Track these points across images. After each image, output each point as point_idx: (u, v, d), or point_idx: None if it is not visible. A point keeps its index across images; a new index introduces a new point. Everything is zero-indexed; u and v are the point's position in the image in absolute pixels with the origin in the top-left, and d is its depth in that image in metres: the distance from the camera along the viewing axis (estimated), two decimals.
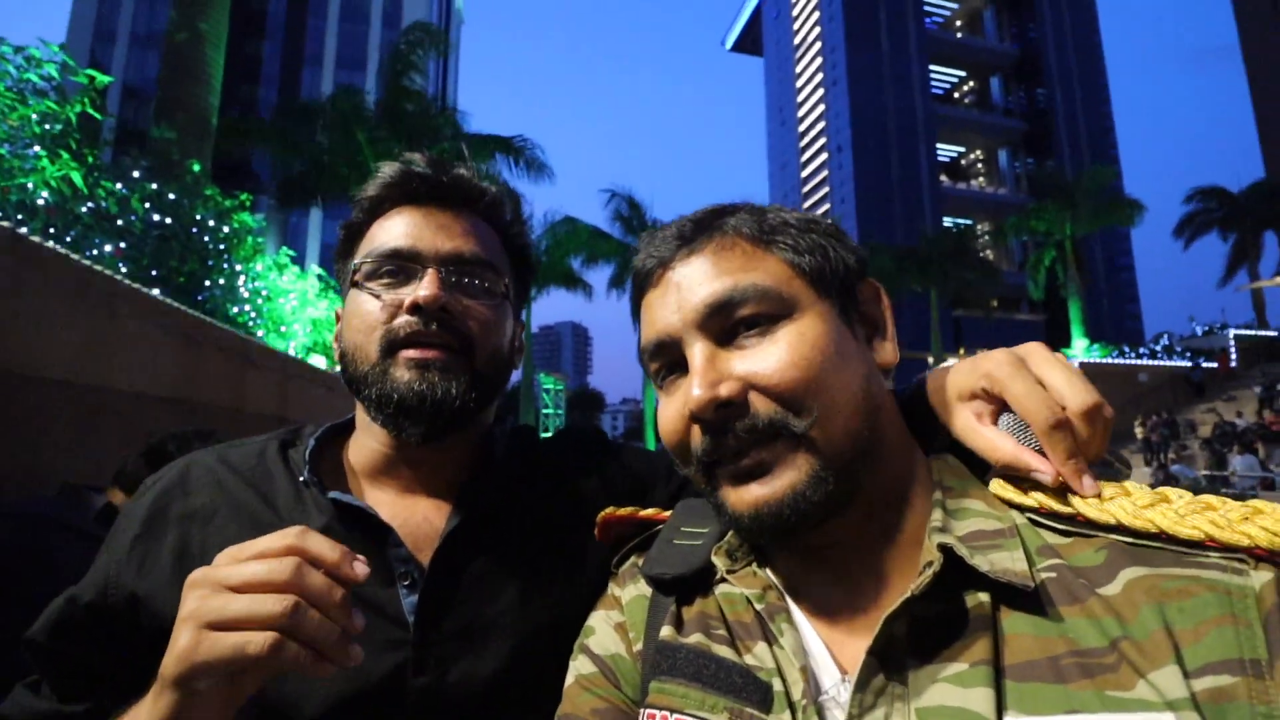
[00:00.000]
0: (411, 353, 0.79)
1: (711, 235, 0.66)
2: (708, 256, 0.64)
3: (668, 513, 0.78)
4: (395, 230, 0.84)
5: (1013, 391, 0.60)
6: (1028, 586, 0.52)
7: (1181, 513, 0.53)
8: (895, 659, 0.53)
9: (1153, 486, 0.58)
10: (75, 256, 2.98)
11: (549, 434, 1.06)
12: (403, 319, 0.79)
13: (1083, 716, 0.47)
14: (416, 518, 0.84)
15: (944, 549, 0.54)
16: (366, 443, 0.87)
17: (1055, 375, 0.60)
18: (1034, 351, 0.63)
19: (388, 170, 0.87)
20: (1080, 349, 24.92)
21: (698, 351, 0.62)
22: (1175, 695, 0.46)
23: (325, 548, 0.56)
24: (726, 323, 0.62)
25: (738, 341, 0.62)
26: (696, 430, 0.62)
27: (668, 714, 0.60)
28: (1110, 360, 23.43)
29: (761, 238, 0.65)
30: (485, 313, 0.84)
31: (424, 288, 0.79)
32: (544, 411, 29.60)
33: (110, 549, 0.79)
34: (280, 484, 0.83)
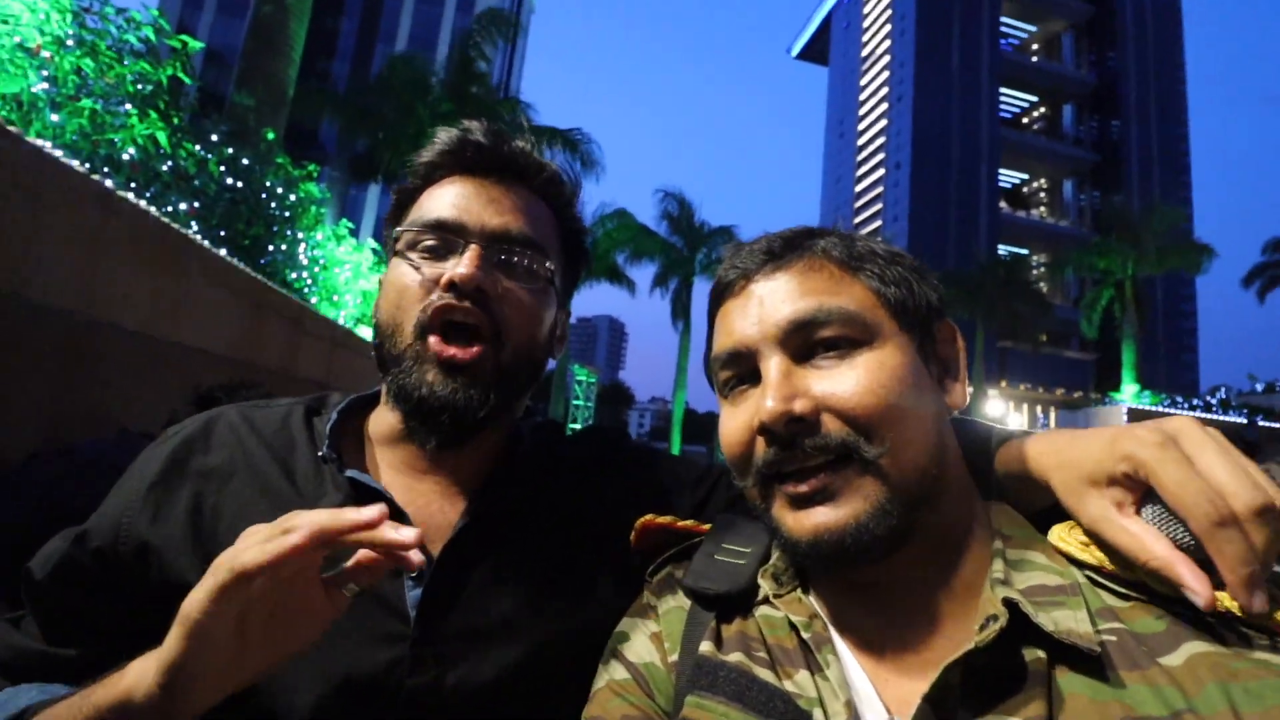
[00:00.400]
0: (441, 347, 0.75)
1: (801, 254, 0.66)
2: (795, 275, 0.65)
3: (705, 525, 0.78)
4: (444, 200, 0.81)
5: (1166, 479, 0.52)
6: (1093, 651, 0.51)
7: None
8: (948, 707, 0.52)
9: None
10: (156, 213, 3.13)
11: (576, 426, 1.03)
12: (437, 294, 0.76)
13: None
14: (432, 507, 0.81)
15: (1009, 603, 0.53)
16: (390, 420, 0.83)
17: (1217, 462, 0.51)
18: (1187, 430, 0.54)
19: (444, 136, 0.84)
20: (1129, 394, 23.97)
21: (774, 365, 0.62)
22: None
23: (355, 516, 0.54)
24: (806, 341, 0.62)
25: (815, 361, 0.62)
26: (761, 442, 0.62)
27: None
28: (1161, 409, 22.47)
29: (850, 263, 0.66)
30: (525, 297, 0.80)
31: (463, 265, 0.76)
32: (574, 402, 29.80)
33: (123, 492, 0.77)
34: (301, 454, 0.80)
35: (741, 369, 0.66)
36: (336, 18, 41.74)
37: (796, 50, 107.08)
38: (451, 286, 0.75)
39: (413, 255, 0.79)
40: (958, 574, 0.61)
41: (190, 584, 0.65)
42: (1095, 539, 0.57)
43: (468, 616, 0.75)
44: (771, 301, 0.64)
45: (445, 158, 0.83)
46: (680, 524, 0.79)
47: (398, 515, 0.76)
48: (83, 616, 0.73)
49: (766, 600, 0.67)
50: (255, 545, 0.52)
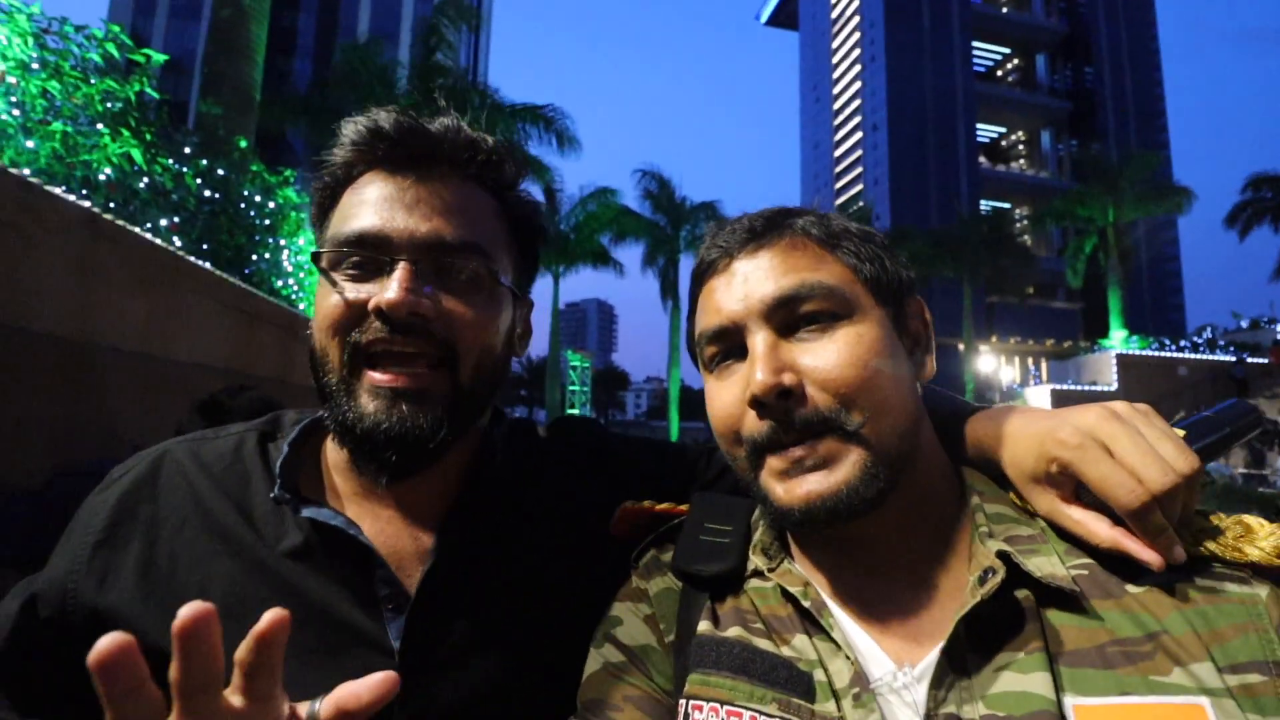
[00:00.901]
0: (378, 376, 0.68)
1: (782, 233, 0.68)
2: (778, 252, 0.67)
3: (682, 506, 0.80)
4: (363, 207, 0.71)
5: (1088, 476, 0.59)
6: (1074, 590, 0.58)
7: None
8: (957, 653, 0.57)
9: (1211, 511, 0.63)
10: (142, 233, 3.13)
11: (575, 412, 0.98)
12: (369, 325, 0.68)
13: (1134, 698, 0.52)
14: (401, 534, 0.75)
15: (1001, 555, 0.59)
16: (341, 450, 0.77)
17: (1131, 450, 0.58)
18: (1101, 423, 0.61)
19: (349, 129, 0.73)
20: (1118, 340, 24.26)
21: (761, 339, 0.64)
22: (1212, 685, 0.52)
23: None
24: (790, 316, 0.65)
25: (798, 335, 0.65)
26: (752, 415, 0.64)
27: (717, 705, 0.62)
28: (1149, 353, 22.77)
29: (828, 241, 0.68)
30: (471, 311, 0.72)
31: (390, 289, 0.67)
32: (570, 388, 29.83)
33: (69, 551, 0.71)
34: (256, 490, 0.74)
35: (728, 344, 0.68)
36: (294, 15, 40.81)
37: (765, 16, 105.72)
38: (382, 315, 0.67)
39: (336, 276, 0.70)
40: (940, 529, 0.66)
41: (149, 644, 0.61)
42: (1050, 524, 0.64)
43: (452, 642, 0.72)
44: (756, 278, 0.66)
45: (357, 154, 0.73)
46: (658, 508, 0.81)
47: (363, 549, 0.71)
48: (44, 685, 0.69)
49: (757, 574, 0.69)
50: None
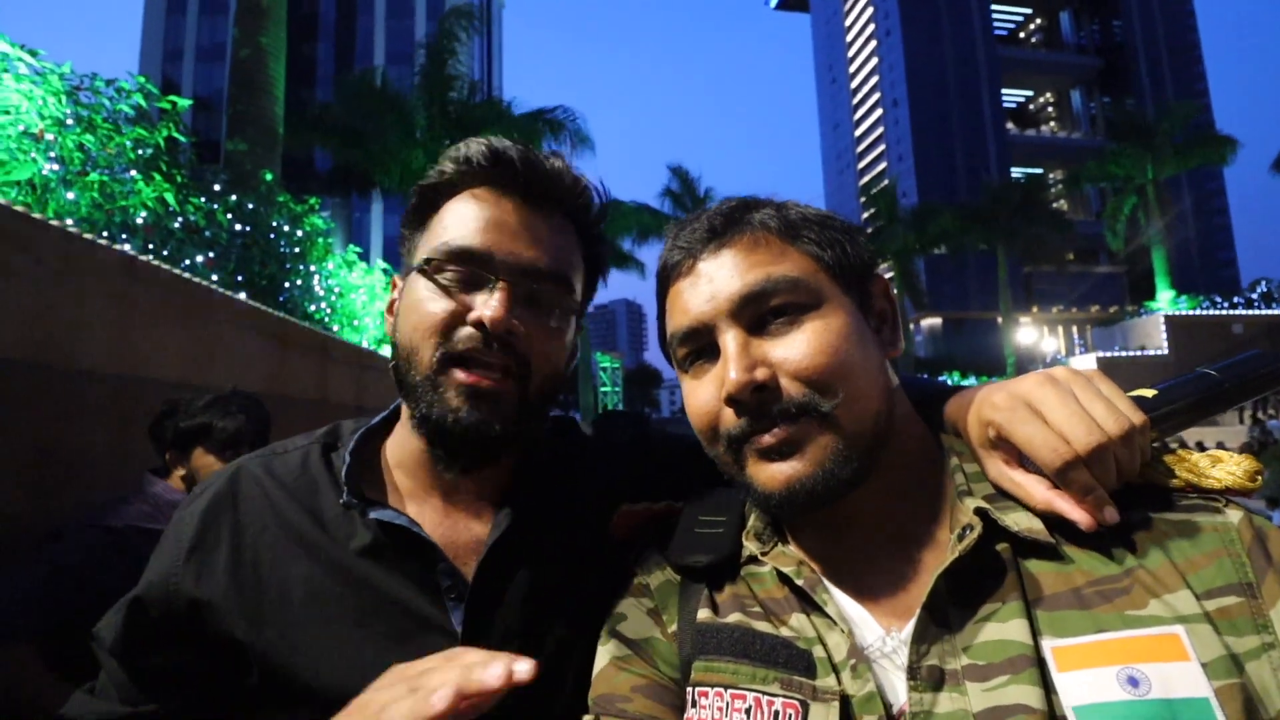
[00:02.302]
0: (464, 376, 0.74)
1: (741, 230, 0.69)
2: (740, 250, 0.68)
3: (677, 505, 0.82)
4: (469, 222, 0.78)
5: (1016, 436, 0.62)
6: (1051, 543, 0.60)
7: (1166, 467, 0.63)
8: (939, 609, 0.59)
9: (1249, 444, 0.64)
10: (176, 271, 3.31)
11: (597, 416, 1.06)
12: (464, 332, 0.75)
13: (1109, 634, 0.54)
14: (459, 526, 0.83)
15: (979, 512, 0.61)
16: (410, 441, 0.83)
17: (1058, 411, 0.60)
18: (1033, 388, 0.63)
19: (474, 148, 0.79)
20: (1165, 301, 23.29)
21: (732, 338, 0.65)
22: (1188, 612, 0.54)
23: (488, 678, 0.51)
24: (758, 312, 0.66)
25: (768, 330, 0.66)
26: (728, 412, 0.65)
27: (722, 690, 0.64)
28: (1200, 312, 21.78)
29: (787, 232, 0.69)
30: (548, 333, 0.80)
31: (492, 306, 0.74)
32: (602, 390, 29.99)
33: (167, 556, 0.80)
34: (325, 497, 0.82)
35: (699, 344, 0.69)
36: (312, 44, 41.96)
37: (774, 1, 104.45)
38: (480, 326, 0.74)
39: (437, 280, 0.77)
40: (922, 496, 0.68)
41: (239, 640, 0.74)
42: (997, 489, 0.66)
43: (509, 624, 0.78)
44: (721, 277, 0.67)
45: (471, 171, 0.79)
46: (655, 508, 0.83)
47: (426, 545, 0.78)
48: (156, 672, 0.78)
49: (752, 559, 0.71)
50: (401, 702, 0.52)
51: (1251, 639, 0.53)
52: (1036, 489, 0.61)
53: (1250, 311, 21.80)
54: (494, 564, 0.79)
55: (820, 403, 0.62)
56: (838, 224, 0.72)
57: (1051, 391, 0.62)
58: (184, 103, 4.86)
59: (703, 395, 0.68)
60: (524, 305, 0.78)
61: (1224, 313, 21.81)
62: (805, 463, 0.63)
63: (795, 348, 0.64)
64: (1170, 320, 21.08)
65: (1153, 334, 21.31)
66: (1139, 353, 20.81)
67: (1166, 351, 20.35)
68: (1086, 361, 21.04)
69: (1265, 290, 23.80)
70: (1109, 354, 21.23)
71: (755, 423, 0.64)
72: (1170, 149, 23.40)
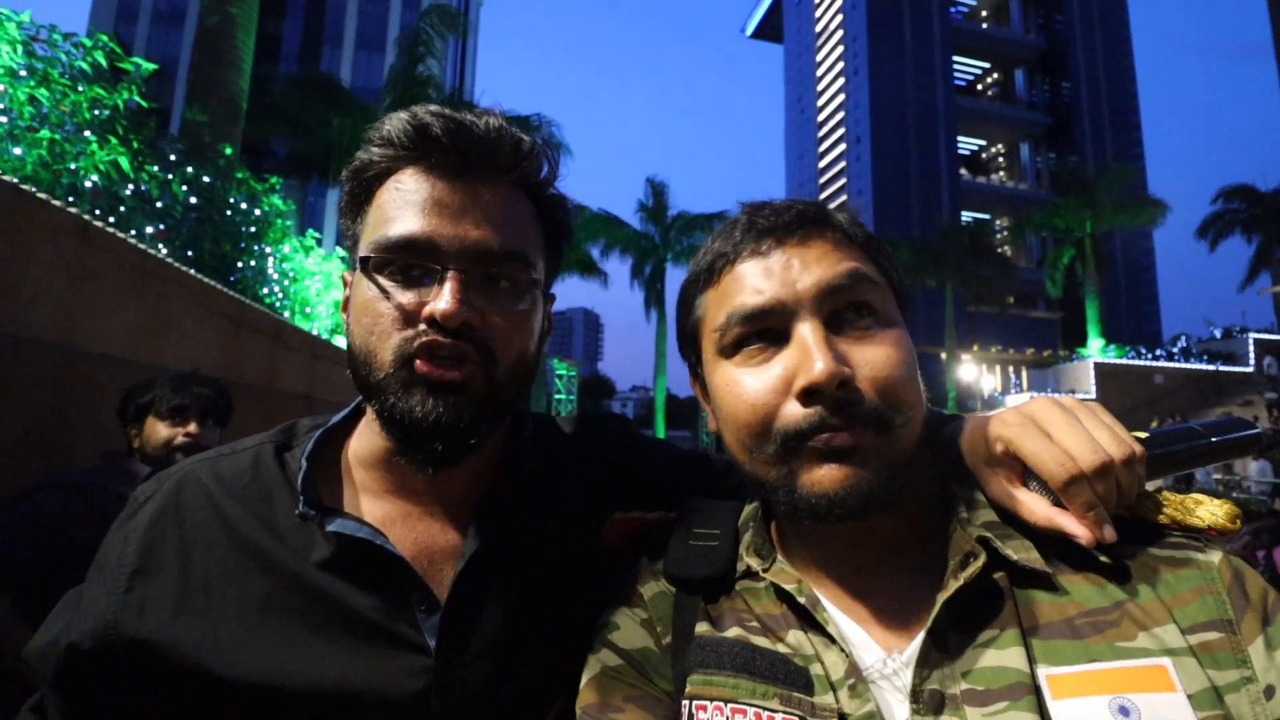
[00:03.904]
0: (427, 370, 0.69)
1: (824, 228, 0.68)
2: (828, 242, 0.67)
3: (670, 515, 0.81)
4: (408, 210, 0.71)
5: (1025, 451, 0.63)
6: (1047, 572, 0.61)
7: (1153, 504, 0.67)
8: (941, 634, 0.60)
9: (1166, 489, 0.68)
10: (132, 240, 3.13)
11: (570, 416, 1.01)
12: (419, 330, 0.70)
13: (1101, 664, 0.56)
14: (432, 530, 0.78)
15: (982, 541, 0.63)
16: (374, 442, 0.78)
17: (1066, 431, 0.63)
18: (1042, 409, 0.66)
19: (395, 126, 0.72)
20: (1096, 349, 24.71)
21: (813, 328, 0.63)
22: (1174, 646, 0.56)
23: None
24: (839, 306, 0.64)
25: (845, 330, 0.64)
26: (793, 405, 0.62)
27: (721, 704, 0.63)
28: (1126, 361, 23.21)
29: (868, 244, 0.70)
30: (511, 317, 0.74)
31: (444, 299, 0.68)
32: (556, 397, 29.78)
33: (106, 583, 0.72)
34: (280, 504, 0.75)
35: (764, 327, 0.65)
36: (279, 21, 40.59)
37: (751, 29, 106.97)
38: (433, 322, 0.69)
39: (382, 279, 0.71)
40: (924, 521, 0.69)
41: (188, 668, 0.67)
42: (997, 508, 0.67)
43: (487, 637, 0.74)
44: (805, 262, 0.65)
45: (396, 152, 0.72)
46: (648, 517, 0.82)
47: (391, 558, 0.73)
48: (94, 703, 0.72)
49: (749, 574, 0.71)
50: None
51: (1231, 673, 0.56)
52: (1039, 506, 0.63)
53: (1170, 364, 23.33)
54: (472, 574, 0.75)
55: (892, 416, 0.62)
56: (889, 254, 0.72)
57: (1059, 413, 0.65)
58: (148, 66, 4.63)
59: (759, 384, 0.64)
60: (479, 291, 0.71)
61: (1148, 363, 23.29)
62: (867, 470, 0.61)
63: (878, 354, 0.63)
64: (1099, 367, 22.39)
65: (1082, 379, 22.59)
66: (1069, 394, 21.98)
67: (1094, 395, 21.59)
68: (1021, 400, 22.10)
69: (1185, 345, 25.55)
70: (1042, 394, 22.35)
71: (830, 418, 0.61)
72: (1109, 206, 24.96)
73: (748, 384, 0.65)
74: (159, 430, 2.04)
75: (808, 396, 0.61)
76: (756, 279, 0.66)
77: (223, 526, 0.74)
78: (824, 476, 0.62)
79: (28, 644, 0.74)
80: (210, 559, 0.72)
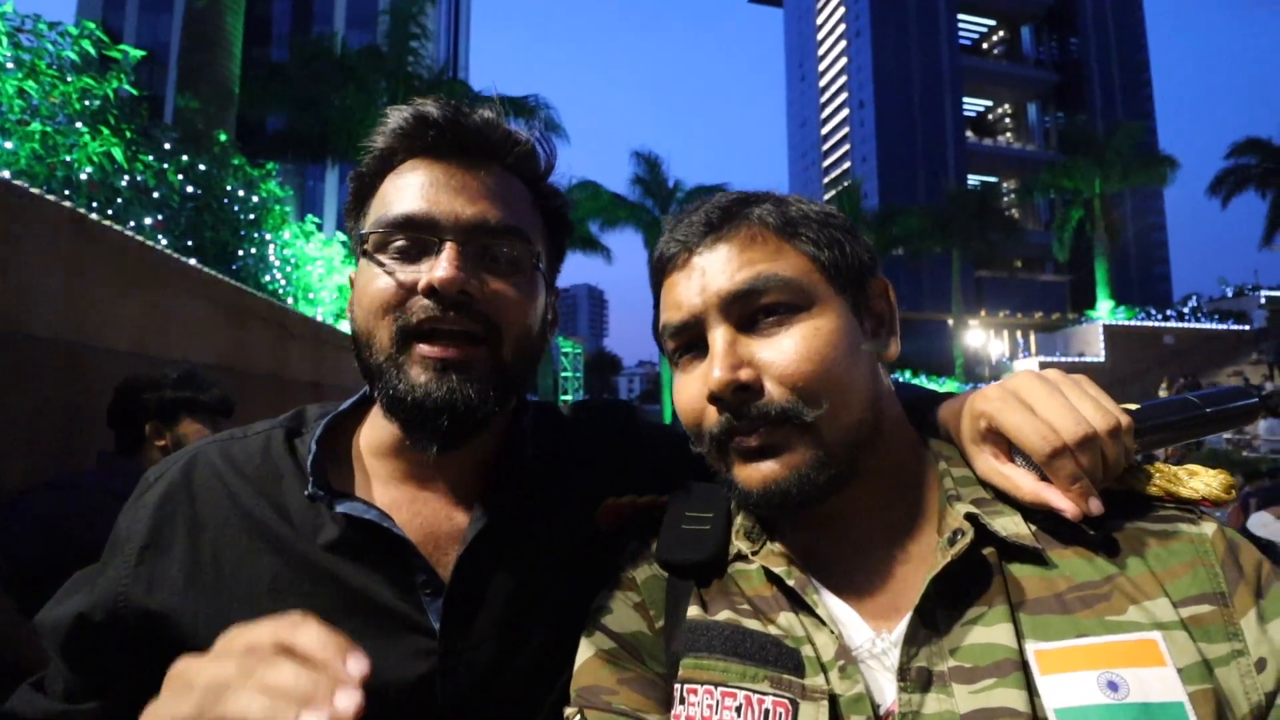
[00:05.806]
0: (428, 349, 0.70)
1: (738, 225, 0.68)
2: (735, 245, 0.67)
3: (662, 498, 0.81)
4: (408, 191, 0.73)
5: (1007, 425, 0.63)
6: (1037, 549, 0.61)
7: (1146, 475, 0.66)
8: (929, 612, 0.60)
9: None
10: (130, 233, 3.11)
11: (571, 401, 1.01)
12: (418, 303, 0.70)
13: (1090, 639, 0.56)
14: (438, 517, 0.79)
15: (969, 517, 0.62)
16: (383, 428, 0.79)
17: (1049, 403, 0.62)
18: (1024, 383, 0.66)
19: (396, 117, 0.75)
20: (1105, 311, 24.47)
21: (720, 335, 0.65)
22: (1165, 619, 0.56)
23: (316, 647, 0.46)
24: (748, 310, 0.65)
25: (758, 328, 0.65)
26: (712, 410, 0.65)
27: (711, 688, 0.63)
28: (1135, 323, 23.00)
29: (785, 229, 0.68)
30: (513, 291, 0.75)
31: (440, 268, 0.69)
32: (562, 374, 29.85)
33: (117, 559, 0.74)
34: (289, 487, 0.77)
35: (689, 338, 0.69)
36: (267, 2, 39.94)
37: None
38: (432, 293, 0.69)
39: (382, 258, 0.72)
40: (910, 499, 0.69)
41: (199, 640, 0.66)
42: (987, 485, 0.67)
43: (491, 619, 0.76)
44: (713, 272, 0.67)
45: (401, 141, 0.75)
46: (640, 501, 0.82)
47: (399, 540, 0.74)
48: (107, 677, 0.74)
49: (739, 557, 0.72)
50: (250, 701, 0.44)
51: (1223, 646, 0.56)
52: (1025, 481, 0.63)
53: (1181, 324, 23.12)
54: (475, 557, 0.76)
55: (804, 411, 0.62)
56: (838, 222, 0.71)
57: (1041, 386, 0.64)
58: (136, 53, 4.56)
59: (690, 391, 0.68)
60: (479, 264, 0.73)
61: (1158, 324, 23.07)
62: (783, 466, 0.63)
63: (782, 351, 0.64)
64: (1109, 329, 22.18)
65: (1092, 341, 22.40)
66: (1078, 358, 21.84)
67: (1104, 358, 21.44)
68: (1030, 365, 22.00)
69: (1195, 305, 25.28)
70: (1051, 359, 22.23)
71: (736, 422, 0.64)
72: (1118, 166, 24.49)
73: (683, 390, 0.70)
74: (195, 430, 2.05)
75: (714, 403, 0.65)
76: (678, 291, 0.69)
77: (233, 506, 0.75)
78: (751, 474, 0.65)
79: (38, 614, 0.76)
80: (220, 538, 0.74)
